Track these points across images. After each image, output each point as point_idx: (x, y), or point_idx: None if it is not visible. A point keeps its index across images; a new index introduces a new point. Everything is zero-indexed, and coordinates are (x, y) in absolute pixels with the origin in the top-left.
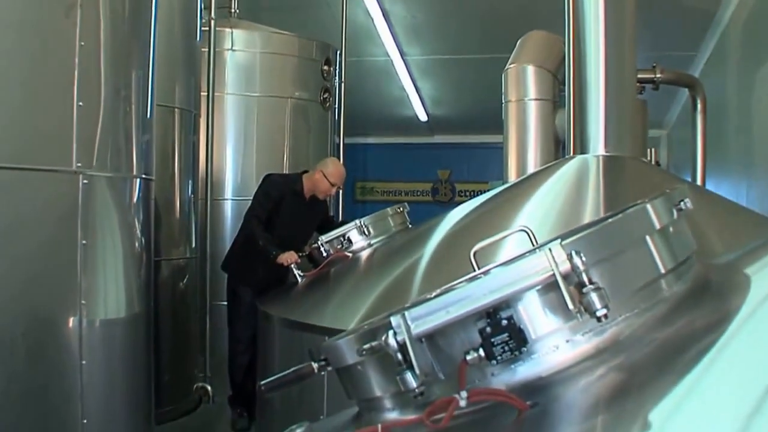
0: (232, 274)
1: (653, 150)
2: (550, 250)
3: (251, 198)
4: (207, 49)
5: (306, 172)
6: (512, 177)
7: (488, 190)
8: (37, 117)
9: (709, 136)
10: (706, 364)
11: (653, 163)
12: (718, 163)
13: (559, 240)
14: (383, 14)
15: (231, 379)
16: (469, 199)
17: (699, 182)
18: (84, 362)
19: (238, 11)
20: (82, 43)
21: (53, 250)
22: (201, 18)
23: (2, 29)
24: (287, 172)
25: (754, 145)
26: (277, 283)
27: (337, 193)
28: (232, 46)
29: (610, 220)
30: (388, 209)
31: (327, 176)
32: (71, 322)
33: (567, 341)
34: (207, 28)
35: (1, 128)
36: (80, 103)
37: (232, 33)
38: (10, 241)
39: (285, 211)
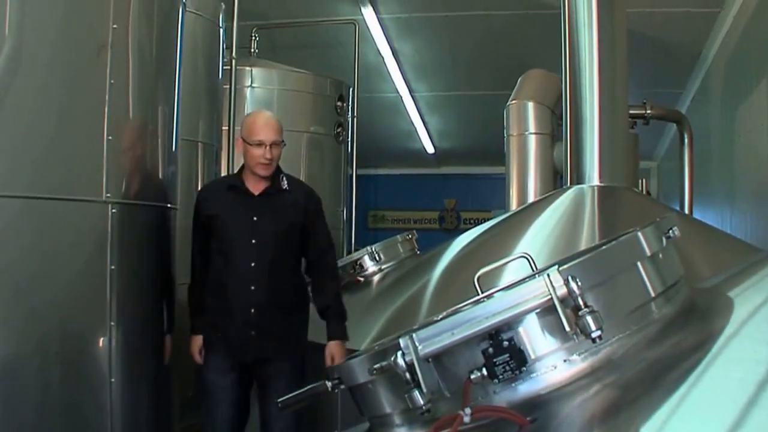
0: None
1: (644, 180)
2: (548, 275)
3: None
4: (228, 86)
5: None
6: (514, 206)
7: (491, 219)
8: (70, 150)
9: (695, 167)
10: (693, 381)
11: (644, 192)
12: (704, 192)
13: (556, 266)
14: (393, 53)
15: None
16: (474, 226)
17: (687, 210)
18: (113, 380)
19: (257, 51)
20: (112, 81)
21: (85, 275)
22: (223, 57)
23: (40, 69)
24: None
25: (736, 175)
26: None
27: (349, 221)
28: (251, 83)
29: (603, 247)
30: (398, 237)
31: (245, 139)
32: (101, 342)
33: (564, 361)
34: (228, 67)
35: (36, 161)
36: (110, 137)
37: (251, 71)
38: (45, 267)
39: (225, 225)
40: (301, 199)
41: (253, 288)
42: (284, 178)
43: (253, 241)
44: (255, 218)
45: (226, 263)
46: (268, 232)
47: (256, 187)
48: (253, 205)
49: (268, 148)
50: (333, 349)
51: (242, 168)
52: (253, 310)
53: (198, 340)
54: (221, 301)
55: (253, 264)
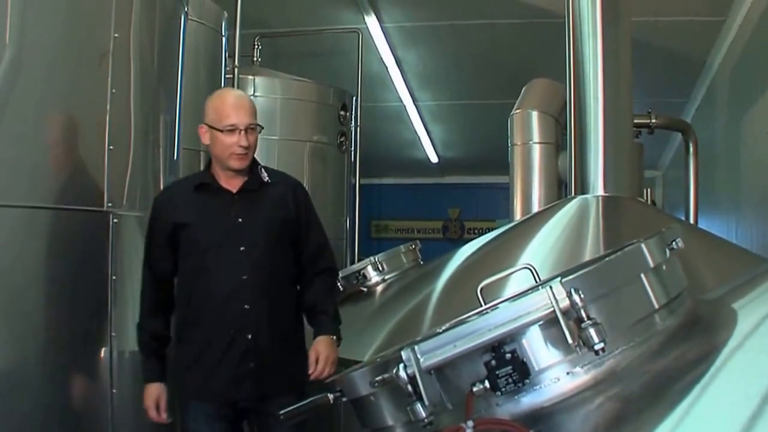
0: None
1: (649, 190)
2: (550, 287)
3: None
4: None
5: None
6: (518, 215)
7: (495, 228)
8: (71, 160)
9: (700, 176)
10: (697, 394)
11: (649, 202)
12: (709, 201)
13: (559, 278)
14: (396, 62)
15: None
16: (478, 236)
17: (692, 219)
18: (114, 390)
19: (260, 59)
20: (114, 91)
21: (85, 285)
22: (225, 66)
23: (41, 78)
24: None
25: (742, 184)
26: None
27: (352, 231)
28: (254, 92)
29: (607, 259)
30: (401, 247)
31: (211, 125)
32: (102, 352)
33: (567, 373)
34: (231, 76)
35: (37, 170)
36: (111, 147)
37: (254, 80)
38: (45, 277)
39: (201, 233)
40: (289, 192)
41: (247, 307)
42: (262, 170)
43: (242, 248)
44: (240, 220)
45: (208, 282)
46: (259, 234)
47: (231, 183)
48: (234, 205)
49: (243, 133)
50: (320, 345)
51: (209, 163)
52: (250, 336)
53: (155, 390)
54: (202, 330)
55: (245, 277)
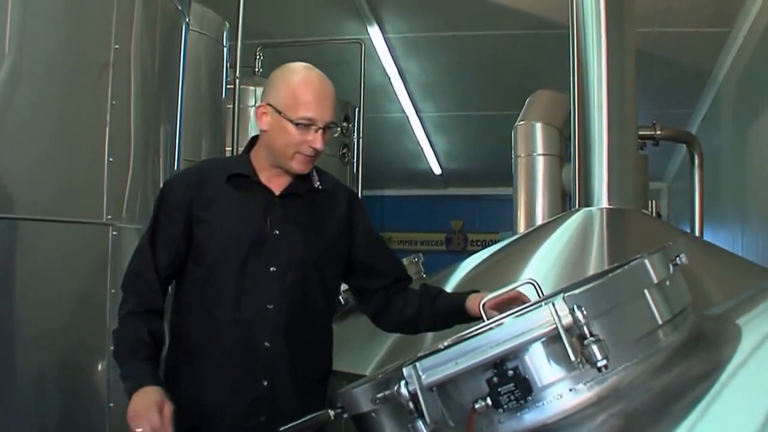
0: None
1: (654, 201)
2: (553, 304)
3: None
4: (232, 106)
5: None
6: (521, 227)
7: (499, 240)
8: (70, 172)
9: (706, 188)
10: (701, 411)
11: (655, 214)
12: (715, 213)
13: (561, 295)
14: (399, 73)
15: None
16: (481, 248)
17: (697, 232)
18: (112, 405)
19: (261, 70)
20: (114, 102)
21: (84, 298)
22: (226, 76)
23: (40, 89)
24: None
25: (748, 195)
26: None
27: None
28: (255, 102)
29: (610, 274)
30: (404, 259)
31: (280, 110)
32: (100, 366)
33: (570, 390)
34: (232, 86)
35: (35, 182)
36: (111, 159)
37: (255, 90)
38: (43, 290)
39: (223, 238)
40: (342, 204)
41: (268, 345)
42: (314, 172)
43: (273, 268)
44: (276, 232)
45: (220, 303)
46: (298, 253)
47: (274, 182)
48: (272, 211)
49: (320, 132)
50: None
51: (249, 147)
52: (265, 382)
53: (156, 393)
54: (202, 365)
55: (270, 306)
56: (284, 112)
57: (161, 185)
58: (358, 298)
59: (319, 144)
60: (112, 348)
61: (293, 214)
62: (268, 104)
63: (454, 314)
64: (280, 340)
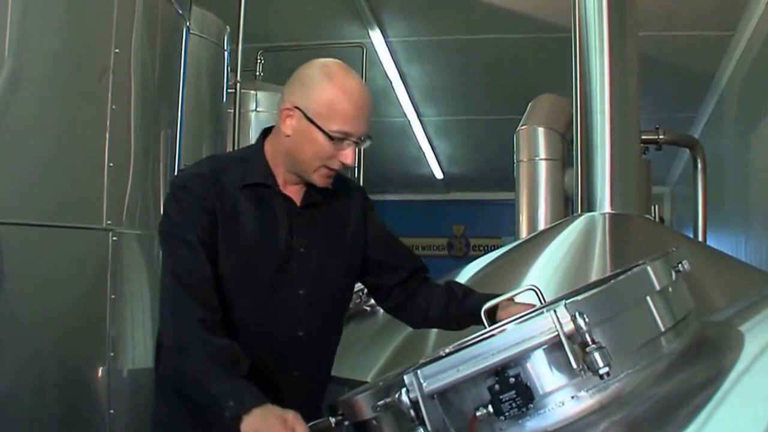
0: None
1: (657, 206)
2: (554, 311)
3: None
4: (233, 110)
5: (267, 135)
6: (524, 233)
7: (501, 245)
8: (70, 176)
9: (709, 192)
10: (703, 419)
11: (658, 218)
12: (718, 218)
13: (563, 301)
14: (401, 77)
15: None
16: (483, 253)
17: (701, 236)
18: (112, 411)
19: (262, 74)
20: (114, 107)
21: (83, 304)
22: (227, 80)
23: (40, 94)
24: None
25: (751, 200)
26: None
27: None
28: (256, 107)
29: (612, 281)
30: None
31: (312, 117)
32: (100, 372)
33: (572, 397)
34: (233, 90)
35: (35, 187)
36: (111, 164)
37: (256, 95)
38: (42, 296)
39: (238, 255)
40: (357, 206)
41: (296, 375)
42: None
43: (301, 291)
44: (302, 249)
45: (241, 335)
46: (328, 271)
47: (292, 189)
48: (294, 224)
49: (352, 147)
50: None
51: (261, 142)
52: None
53: (275, 409)
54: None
55: (301, 333)
56: (316, 121)
57: (161, 190)
58: (375, 294)
59: (350, 159)
60: (111, 354)
61: (315, 227)
62: (297, 108)
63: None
64: (304, 370)
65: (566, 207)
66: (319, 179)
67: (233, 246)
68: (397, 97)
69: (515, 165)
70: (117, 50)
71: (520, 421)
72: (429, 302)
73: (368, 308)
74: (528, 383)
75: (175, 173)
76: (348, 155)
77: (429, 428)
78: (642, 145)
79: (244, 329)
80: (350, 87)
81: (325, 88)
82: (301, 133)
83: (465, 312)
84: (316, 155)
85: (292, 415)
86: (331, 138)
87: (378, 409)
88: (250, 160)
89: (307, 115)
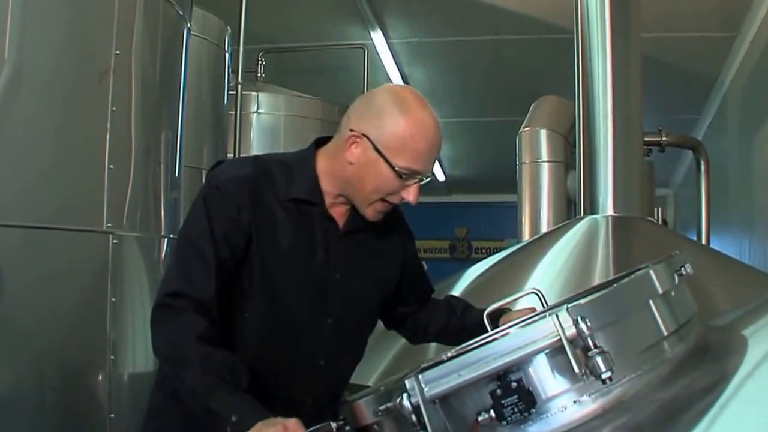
0: None
1: (660, 208)
2: (556, 315)
3: None
4: (234, 112)
5: (321, 145)
6: (526, 235)
7: (503, 248)
8: (70, 179)
9: (712, 195)
10: (706, 424)
11: (661, 221)
12: (722, 221)
13: (565, 306)
14: (403, 79)
15: None
16: (486, 256)
17: (704, 239)
18: (112, 415)
19: (263, 75)
20: (114, 109)
21: (84, 307)
22: (228, 82)
23: (40, 95)
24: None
25: (755, 202)
26: None
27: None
28: (257, 109)
29: (614, 285)
30: None
31: (382, 151)
32: (100, 376)
33: (574, 402)
34: (234, 92)
35: (35, 189)
36: (111, 166)
37: (257, 96)
38: (42, 299)
39: (272, 273)
40: (397, 240)
41: (310, 402)
42: None
43: (329, 320)
44: (338, 276)
45: (260, 358)
46: (358, 303)
47: (336, 210)
48: (334, 249)
49: (416, 186)
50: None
51: (311, 157)
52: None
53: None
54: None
55: (322, 362)
56: (386, 154)
57: (162, 192)
58: (387, 320)
59: (413, 197)
60: (112, 358)
61: (354, 254)
62: (367, 137)
63: (482, 330)
64: (322, 399)
65: (569, 209)
66: (372, 213)
67: (264, 262)
68: None
69: (518, 167)
70: (117, 52)
71: (522, 426)
72: (429, 320)
73: None
74: (530, 388)
75: (176, 174)
76: (411, 192)
77: None
78: (645, 147)
79: (274, 350)
80: (426, 123)
81: (400, 121)
82: (367, 164)
83: (464, 327)
84: (377, 189)
85: (293, 422)
86: (399, 174)
87: (379, 413)
88: (296, 171)
89: (377, 147)
